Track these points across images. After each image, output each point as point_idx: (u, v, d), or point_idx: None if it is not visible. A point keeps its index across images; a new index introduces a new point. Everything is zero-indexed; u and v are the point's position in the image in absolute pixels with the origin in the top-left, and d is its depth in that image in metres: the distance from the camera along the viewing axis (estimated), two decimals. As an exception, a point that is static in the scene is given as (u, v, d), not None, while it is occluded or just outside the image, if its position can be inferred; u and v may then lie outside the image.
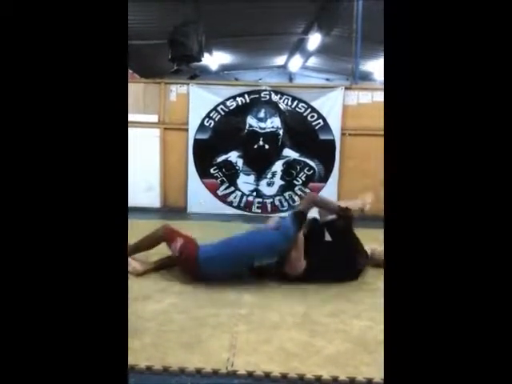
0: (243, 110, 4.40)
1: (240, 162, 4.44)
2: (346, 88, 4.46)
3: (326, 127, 4.39)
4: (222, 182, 4.47)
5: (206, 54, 6.07)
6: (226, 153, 4.44)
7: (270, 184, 4.48)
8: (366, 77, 10.14)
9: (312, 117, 4.39)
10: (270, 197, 4.47)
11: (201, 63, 6.06)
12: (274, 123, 4.42)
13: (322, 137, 4.41)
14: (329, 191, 4.43)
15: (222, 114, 4.41)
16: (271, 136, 4.41)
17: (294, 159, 4.45)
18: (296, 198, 4.46)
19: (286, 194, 4.48)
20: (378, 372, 1.45)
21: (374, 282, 2.42)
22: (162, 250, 2.50)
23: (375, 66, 9.80)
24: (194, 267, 2.27)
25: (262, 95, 4.40)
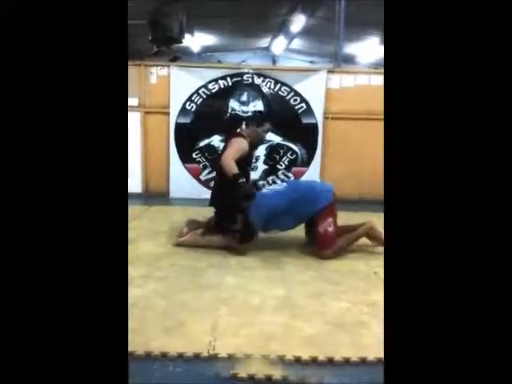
0: (226, 93, 4.35)
1: (223, 146, 4.42)
2: (329, 71, 4.44)
3: (309, 111, 4.39)
4: (205, 167, 4.44)
5: (187, 35, 5.93)
6: (209, 137, 4.40)
7: (253, 168, 4.47)
8: (349, 60, 10.10)
9: (295, 100, 4.37)
10: (254, 181, 4.47)
11: (182, 45, 5.93)
12: (256, 107, 4.39)
13: (305, 121, 4.40)
14: (311, 175, 4.46)
15: (204, 97, 4.35)
16: (254, 120, 4.39)
17: (277, 143, 4.44)
18: (279, 182, 4.48)
19: (270, 179, 4.49)
20: (355, 352, 1.49)
21: (356, 265, 2.48)
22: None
23: (358, 49, 9.76)
24: None
25: (245, 78, 4.35)
